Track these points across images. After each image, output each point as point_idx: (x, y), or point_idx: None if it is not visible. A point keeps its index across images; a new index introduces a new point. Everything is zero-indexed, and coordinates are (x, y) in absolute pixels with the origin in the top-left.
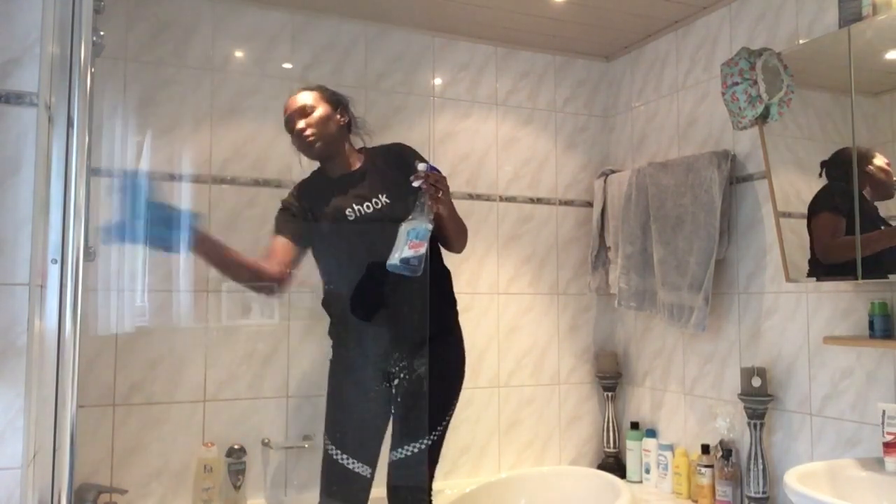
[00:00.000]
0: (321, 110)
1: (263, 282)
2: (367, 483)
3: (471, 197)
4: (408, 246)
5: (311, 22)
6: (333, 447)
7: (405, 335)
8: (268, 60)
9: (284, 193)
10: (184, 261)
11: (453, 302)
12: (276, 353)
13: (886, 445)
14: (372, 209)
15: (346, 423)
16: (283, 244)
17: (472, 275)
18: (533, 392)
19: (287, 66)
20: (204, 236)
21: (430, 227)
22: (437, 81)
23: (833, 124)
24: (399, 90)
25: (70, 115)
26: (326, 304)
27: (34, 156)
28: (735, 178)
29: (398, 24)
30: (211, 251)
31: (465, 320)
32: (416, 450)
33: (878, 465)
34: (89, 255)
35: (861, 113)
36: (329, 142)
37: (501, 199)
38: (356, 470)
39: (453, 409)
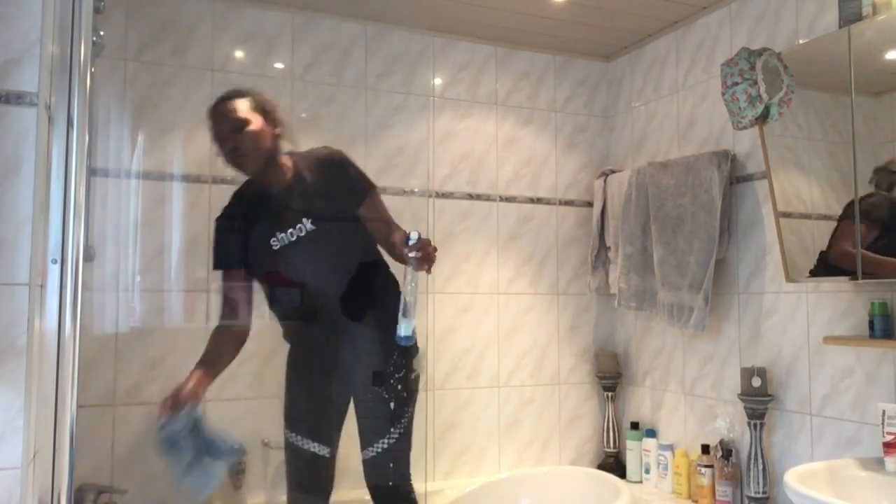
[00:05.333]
0: (255, 124)
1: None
2: (326, 462)
3: (471, 197)
4: (413, 320)
5: (311, 22)
6: (290, 432)
7: (367, 348)
8: (268, 60)
9: None
10: (185, 262)
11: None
12: (276, 353)
13: (886, 445)
14: (296, 237)
15: (301, 408)
16: (238, 283)
17: (472, 275)
18: (533, 392)
19: (284, 65)
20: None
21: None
22: (437, 81)
23: (833, 124)
24: (399, 90)
25: (70, 115)
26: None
27: (34, 156)
28: (735, 178)
29: (398, 24)
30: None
31: (465, 320)
32: (386, 444)
33: (878, 465)
34: (89, 255)
35: (861, 113)
36: (264, 157)
37: (501, 199)
38: (313, 450)
39: (415, 397)
